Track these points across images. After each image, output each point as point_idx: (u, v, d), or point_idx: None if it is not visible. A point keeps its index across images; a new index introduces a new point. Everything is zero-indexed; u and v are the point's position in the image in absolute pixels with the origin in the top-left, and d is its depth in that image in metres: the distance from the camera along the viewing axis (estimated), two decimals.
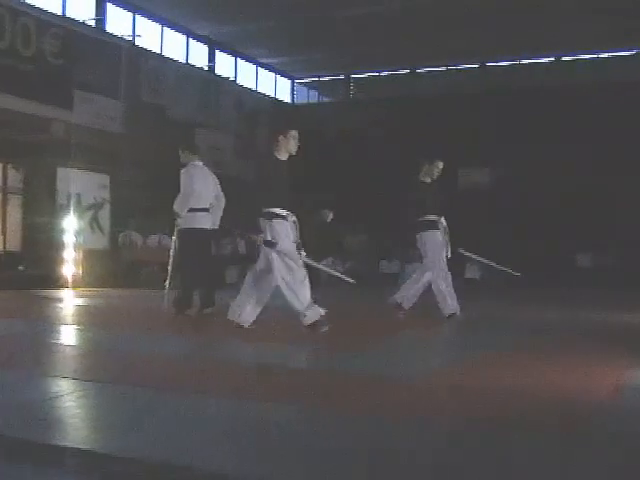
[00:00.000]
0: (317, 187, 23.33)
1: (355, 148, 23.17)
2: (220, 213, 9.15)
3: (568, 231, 19.49)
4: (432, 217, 8.93)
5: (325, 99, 26.32)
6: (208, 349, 6.34)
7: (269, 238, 6.78)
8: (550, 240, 19.48)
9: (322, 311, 6.75)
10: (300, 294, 6.73)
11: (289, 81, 25.75)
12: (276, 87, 25.06)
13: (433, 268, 8.83)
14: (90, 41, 17.11)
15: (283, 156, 7.13)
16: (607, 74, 22.16)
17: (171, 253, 9.33)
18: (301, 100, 26.11)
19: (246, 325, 7.08)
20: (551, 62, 22.88)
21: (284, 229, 6.86)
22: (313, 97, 26.25)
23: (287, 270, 6.77)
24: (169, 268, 9.28)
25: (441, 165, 9.17)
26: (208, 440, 3.08)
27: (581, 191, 20.09)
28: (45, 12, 16.19)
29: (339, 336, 6.81)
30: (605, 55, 22.30)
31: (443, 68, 24.00)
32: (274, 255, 6.77)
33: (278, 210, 6.89)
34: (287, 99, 25.74)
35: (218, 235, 9.75)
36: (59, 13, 16.84)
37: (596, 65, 22.54)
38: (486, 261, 9.39)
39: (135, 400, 3.90)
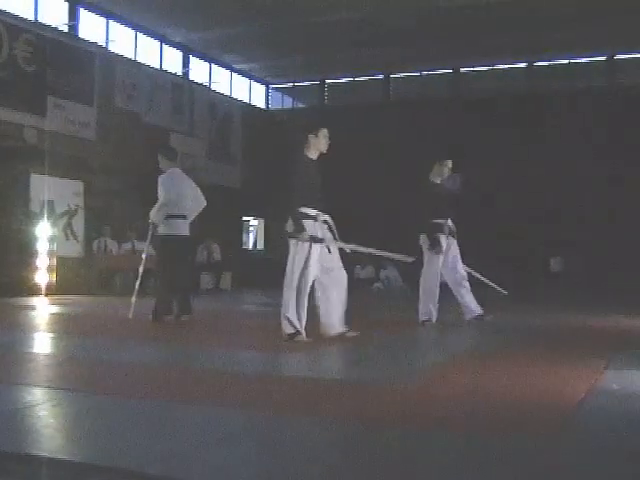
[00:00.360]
0: None
1: (329, 153, 23.17)
2: (196, 214, 9.15)
3: (540, 235, 19.67)
4: (438, 220, 8.81)
5: (300, 104, 26.35)
6: (185, 356, 6.32)
7: (314, 234, 6.73)
8: (523, 243, 19.65)
9: (302, 329, 6.73)
10: (300, 301, 6.70)
11: (264, 87, 25.75)
12: (251, 93, 25.06)
13: (428, 270, 8.76)
14: (63, 47, 16.99)
15: (313, 155, 7.12)
16: (574, 80, 22.39)
17: (143, 257, 9.31)
18: (276, 106, 26.12)
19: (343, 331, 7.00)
20: (524, 68, 23.05)
21: (312, 229, 6.79)
22: (288, 103, 26.27)
23: (303, 272, 6.72)
24: (139, 274, 9.28)
25: (451, 164, 9.03)
26: (186, 449, 3.07)
27: (551, 194, 20.32)
28: (17, 18, 16.03)
29: (314, 342, 6.82)
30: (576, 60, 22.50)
31: (417, 73, 24.10)
32: (296, 253, 6.72)
33: (308, 210, 6.82)
34: (262, 105, 25.74)
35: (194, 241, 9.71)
36: (31, 19, 16.70)
37: (561, 70, 22.73)
38: (477, 275, 9.13)
39: (110, 409, 3.89)
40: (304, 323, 6.79)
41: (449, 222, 8.94)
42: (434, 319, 8.72)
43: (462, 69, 23.55)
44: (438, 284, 8.79)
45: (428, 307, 8.70)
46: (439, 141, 20.18)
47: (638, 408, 4.04)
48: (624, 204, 19.49)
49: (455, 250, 8.97)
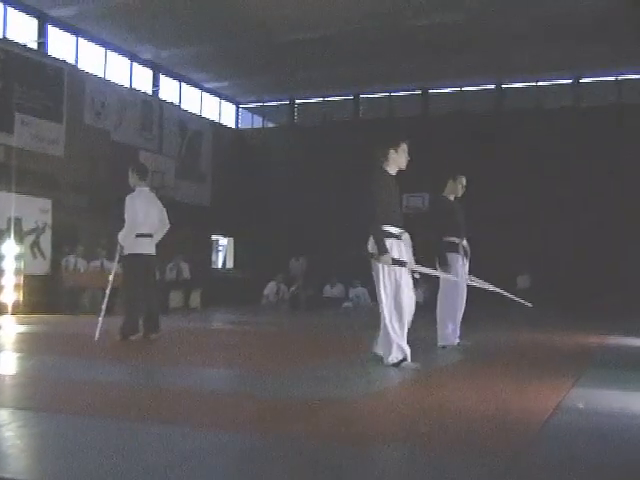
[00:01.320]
0: (261, 211, 23.43)
1: (299, 172, 23.29)
2: (160, 237, 9.11)
3: (507, 253, 19.83)
4: (452, 239, 8.45)
5: (270, 124, 26.42)
6: (152, 375, 6.28)
7: (396, 256, 6.41)
8: (489, 260, 19.80)
9: (408, 352, 6.43)
10: (397, 325, 6.40)
11: (234, 106, 25.79)
12: (221, 112, 25.09)
13: (443, 291, 8.39)
14: (31, 63, 16.92)
15: (393, 170, 6.74)
16: (538, 101, 22.70)
17: (110, 278, 9.25)
18: (246, 125, 26.17)
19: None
20: (490, 89, 23.30)
21: (396, 249, 6.49)
22: (258, 122, 26.33)
23: (396, 295, 6.41)
24: (106, 293, 9.20)
25: (464, 180, 8.67)
26: (150, 470, 3.05)
27: (519, 214, 20.55)
28: None
29: (284, 359, 6.81)
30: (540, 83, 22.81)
31: (386, 93, 24.28)
32: (383, 272, 6.41)
33: (390, 228, 6.51)
34: (232, 124, 25.77)
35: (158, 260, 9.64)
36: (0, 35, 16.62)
37: (528, 92, 23.03)
38: (499, 290, 8.23)
39: (77, 429, 3.85)
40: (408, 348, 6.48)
41: (464, 242, 8.56)
42: (455, 342, 8.41)
43: (431, 90, 23.75)
44: (458, 305, 8.45)
45: (445, 331, 8.36)
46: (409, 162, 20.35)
47: (603, 426, 4.09)
48: (589, 222, 19.77)
49: (465, 272, 8.52)
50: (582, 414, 4.42)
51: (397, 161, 6.71)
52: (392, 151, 6.68)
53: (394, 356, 6.39)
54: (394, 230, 6.53)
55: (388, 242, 6.40)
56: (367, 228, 6.51)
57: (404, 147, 6.72)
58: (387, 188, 6.59)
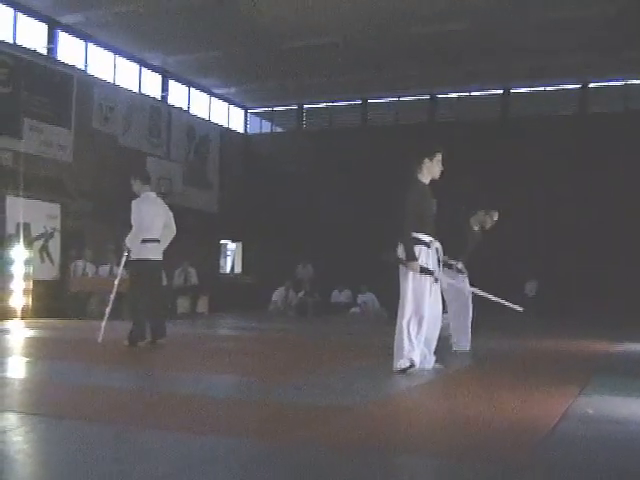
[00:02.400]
0: (269, 216, 23.43)
1: (307, 177, 23.30)
2: (167, 243, 9.12)
3: (515, 259, 19.79)
4: (450, 261, 8.52)
5: (278, 129, 26.44)
6: (159, 382, 6.29)
7: (424, 264, 6.49)
8: (498, 267, 19.77)
9: (417, 360, 6.50)
10: (413, 331, 6.45)
11: (242, 111, 25.82)
12: (229, 117, 25.12)
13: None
14: (41, 69, 16.98)
15: (426, 180, 6.81)
16: (545, 107, 22.66)
17: (115, 283, 9.29)
18: (254, 130, 26.20)
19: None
20: (500, 94, 23.24)
21: (424, 257, 6.55)
22: (266, 127, 26.34)
23: (418, 303, 6.48)
24: (111, 298, 9.24)
25: (496, 216, 8.78)
26: (156, 477, 3.06)
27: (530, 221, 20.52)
28: None
29: (284, 369, 6.80)
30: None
31: (395, 98, 24.26)
32: (409, 278, 6.48)
33: (421, 236, 6.58)
34: (240, 129, 25.80)
35: (166, 265, 9.67)
36: (9, 41, 16.67)
37: (534, 98, 22.97)
38: (493, 298, 7.92)
39: (84, 434, 3.86)
40: (418, 356, 6.56)
41: (459, 265, 8.77)
42: (467, 348, 8.65)
43: (438, 95, 23.71)
44: (464, 313, 8.70)
45: (455, 337, 8.69)
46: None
47: (609, 433, 4.08)
48: (595, 229, 19.68)
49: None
50: (589, 421, 4.41)
51: (431, 170, 6.80)
52: (427, 160, 6.77)
53: (403, 362, 6.45)
54: (425, 238, 6.62)
55: (417, 249, 6.49)
56: (398, 235, 6.59)
57: (439, 157, 6.82)
58: (420, 197, 6.67)
